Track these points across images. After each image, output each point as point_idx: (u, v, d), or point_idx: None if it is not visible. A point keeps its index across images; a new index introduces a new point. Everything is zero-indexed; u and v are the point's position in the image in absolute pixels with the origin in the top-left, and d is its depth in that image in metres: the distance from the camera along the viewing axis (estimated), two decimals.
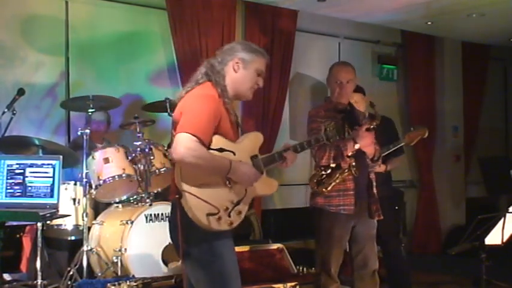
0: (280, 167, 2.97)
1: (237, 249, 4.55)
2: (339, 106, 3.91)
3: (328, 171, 3.76)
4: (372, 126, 3.71)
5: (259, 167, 2.77)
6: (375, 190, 3.89)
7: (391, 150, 4.52)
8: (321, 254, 3.88)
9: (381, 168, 4.44)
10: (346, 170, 3.73)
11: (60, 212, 3.65)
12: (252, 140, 2.83)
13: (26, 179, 3.58)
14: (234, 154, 2.68)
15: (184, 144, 2.51)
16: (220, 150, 2.64)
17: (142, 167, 4.55)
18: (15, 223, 4.71)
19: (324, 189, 3.76)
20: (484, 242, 3.97)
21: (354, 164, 3.72)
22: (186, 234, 2.63)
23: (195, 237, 2.63)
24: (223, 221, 2.63)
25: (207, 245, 2.64)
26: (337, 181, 3.74)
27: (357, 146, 3.69)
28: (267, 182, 2.86)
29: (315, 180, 3.79)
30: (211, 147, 2.62)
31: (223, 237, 2.67)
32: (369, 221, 3.87)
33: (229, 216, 2.65)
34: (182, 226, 2.61)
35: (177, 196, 2.61)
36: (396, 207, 4.94)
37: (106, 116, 5.14)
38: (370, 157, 3.85)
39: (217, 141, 2.64)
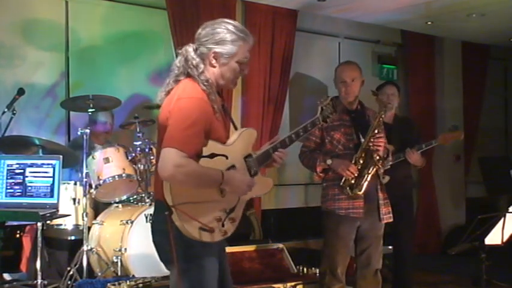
0: (270, 166, 2.73)
1: (237, 249, 4.60)
2: (348, 107, 3.90)
3: (355, 173, 3.74)
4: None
5: (253, 167, 2.56)
6: (384, 193, 3.89)
7: (423, 150, 4.53)
8: (327, 253, 3.89)
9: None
10: (372, 167, 3.72)
11: (60, 212, 3.65)
12: (245, 139, 2.57)
13: (26, 178, 3.58)
14: (227, 158, 2.44)
15: (172, 161, 2.25)
16: (212, 156, 2.38)
17: (142, 167, 4.56)
18: (15, 223, 4.71)
19: (359, 192, 3.74)
20: (484, 242, 3.96)
21: (377, 157, 3.71)
22: (173, 243, 2.40)
23: (181, 246, 2.40)
24: (217, 232, 2.42)
25: (192, 255, 2.42)
26: (368, 178, 3.73)
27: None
28: (261, 182, 2.63)
29: (348, 187, 3.76)
30: (202, 154, 2.37)
31: (211, 248, 2.46)
32: (377, 222, 3.87)
33: (223, 225, 2.44)
34: (172, 238, 2.39)
35: (166, 213, 2.36)
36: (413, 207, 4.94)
37: (111, 117, 5.11)
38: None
39: (208, 146, 2.38)
